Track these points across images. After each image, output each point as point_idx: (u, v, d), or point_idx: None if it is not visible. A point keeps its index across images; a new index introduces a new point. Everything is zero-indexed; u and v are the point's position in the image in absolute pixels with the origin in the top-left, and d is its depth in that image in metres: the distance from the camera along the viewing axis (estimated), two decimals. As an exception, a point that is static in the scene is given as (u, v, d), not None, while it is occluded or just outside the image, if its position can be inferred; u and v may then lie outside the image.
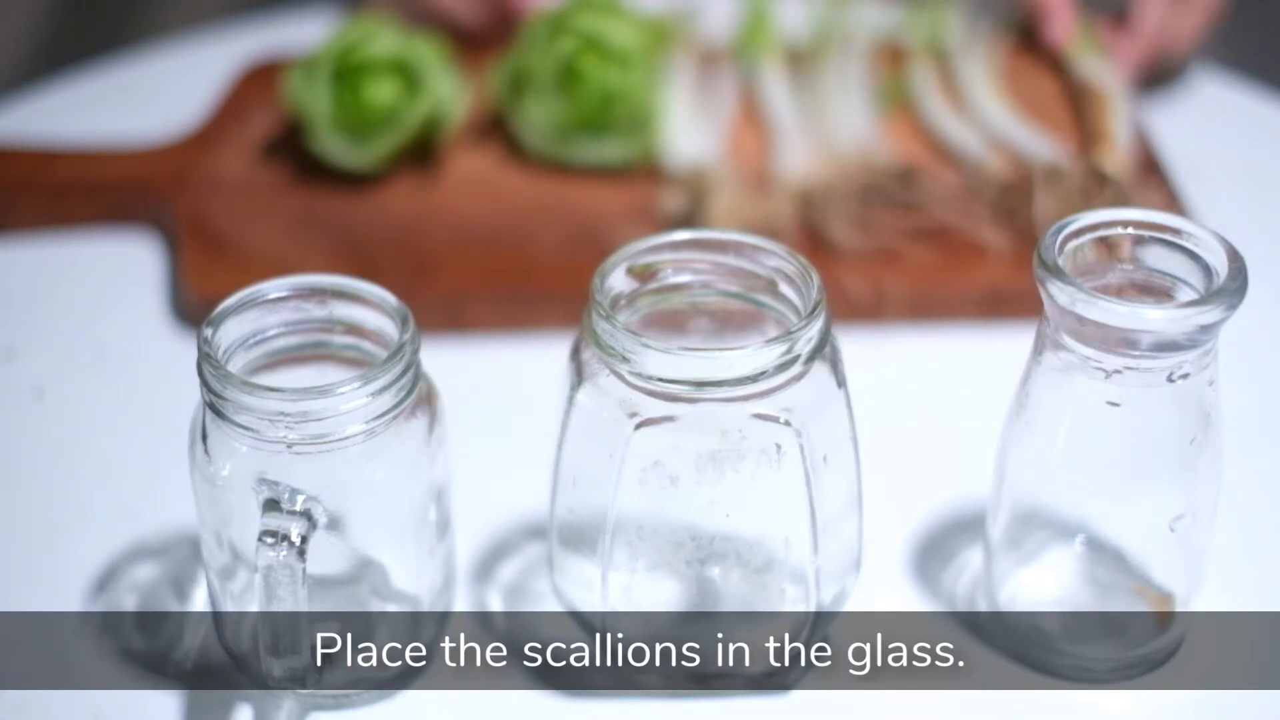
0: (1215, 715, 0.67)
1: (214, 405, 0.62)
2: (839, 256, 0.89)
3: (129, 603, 0.71)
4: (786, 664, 0.67)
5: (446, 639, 0.69)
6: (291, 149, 0.98)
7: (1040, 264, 0.62)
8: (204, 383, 0.62)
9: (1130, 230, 0.64)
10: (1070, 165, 0.92)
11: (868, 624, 0.70)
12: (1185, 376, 0.62)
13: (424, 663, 0.68)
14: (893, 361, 0.86)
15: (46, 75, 1.16)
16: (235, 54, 1.09)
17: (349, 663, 0.67)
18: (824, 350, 0.62)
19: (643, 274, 0.65)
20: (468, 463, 0.72)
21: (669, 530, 0.64)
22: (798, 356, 0.61)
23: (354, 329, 0.65)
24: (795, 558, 0.64)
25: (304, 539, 0.61)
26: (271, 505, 0.61)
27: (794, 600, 0.65)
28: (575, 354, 0.64)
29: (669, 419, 0.61)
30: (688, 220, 0.91)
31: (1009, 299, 0.87)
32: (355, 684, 0.67)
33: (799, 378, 0.61)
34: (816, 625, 0.65)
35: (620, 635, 0.66)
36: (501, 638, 0.70)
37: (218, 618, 0.67)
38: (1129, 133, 0.95)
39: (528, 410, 0.76)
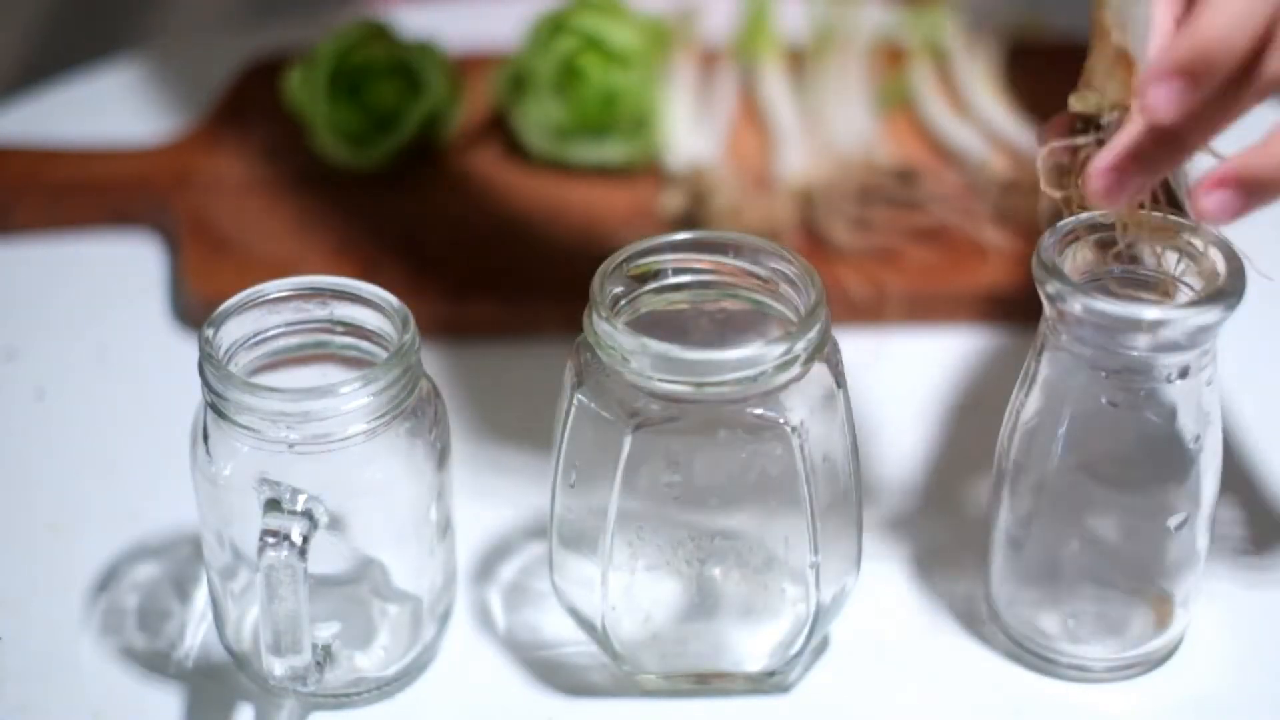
0: (1215, 715, 0.67)
1: (215, 405, 0.62)
2: (839, 256, 0.89)
3: (130, 602, 0.71)
4: (786, 664, 0.67)
5: (446, 639, 0.69)
6: (292, 149, 0.98)
7: (1040, 264, 0.62)
8: (205, 383, 0.62)
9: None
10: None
11: (868, 624, 0.70)
12: (1185, 377, 0.62)
13: (424, 663, 0.68)
14: (893, 361, 0.86)
15: (46, 75, 1.16)
16: (235, 54, 1.09)
17: (349, 663, 0.67)
18: (824, 350, 0.62)
19: (643, 274, 0.65)
20: (468, 463, 0.72)
21: (669, 530, 0.64)
22: (798, 357, 0.61)
23: (355, 329, 0.65)
24: (795, 557, 0.64)
25: (305, 539, 0.61)
26: (273, 505, 0.61)
27: (794, 600, 0.65)
28: (575, 354, 0.64)
29: (669, 419, 0.61)
30: (688, 220, 0.91)
31: (1009, 299, 0.87)
32: (355, 684, 0.67)
33: (799, 378, 0.61)
34: (816, 625, 0.65)
35: (620, 635, 0.66)
36: (501, 637, 0.70)
37: (219, 617, 0.67)
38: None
39: (528, 410, 0.76)
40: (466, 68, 1.02)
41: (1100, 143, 0.60)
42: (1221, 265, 0.62)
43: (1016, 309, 0.86)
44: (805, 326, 0.61)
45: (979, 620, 0.70)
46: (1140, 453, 0.64)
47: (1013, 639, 0.69)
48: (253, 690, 0.67)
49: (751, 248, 0.65)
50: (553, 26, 0.97)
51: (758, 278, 0.65)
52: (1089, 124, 0.61)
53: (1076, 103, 0.61)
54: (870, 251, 0.89)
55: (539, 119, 0.97)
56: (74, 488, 0.78)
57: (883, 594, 0.72)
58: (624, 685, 0.68)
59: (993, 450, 0.68)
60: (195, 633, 0.70)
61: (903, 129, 0.99)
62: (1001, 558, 0.69)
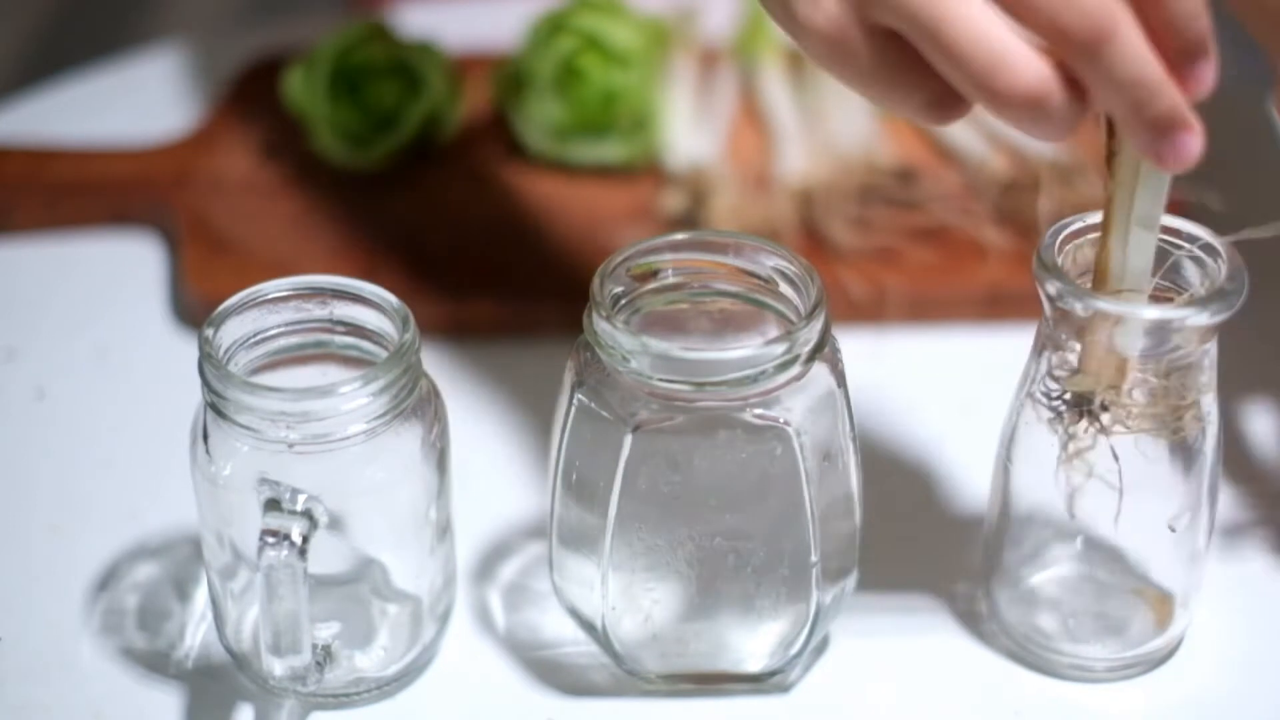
0: (1215, 715, 0.67)
1: (215, 405, 0.62)
2: (839, 256, 0.89)
3: (130, 602, 0.71)
4: (786, 664, 0.67)
5: (446, 639, 0.69)
6: (292, 149, 0.98)
7: (1040, 264, 0.62)
8: (205, 383, 0.62)
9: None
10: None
11: (868, 624, 0.70)
12: (1184, 377, 0.62)
13: (424, 663, 0.68)
14: (893, 361, 0.86)
15: (46, 75, 1.16)
16: (235, 54, 1.09)
17: (349, 663, 0.67)
18: (824, 350, 0.62)
19: (643, 274, 0.65)
20: (468, 463, 0.72)
21: (669, 530, 0.64)
22: (798, 357, 0.61)
23: (355, 329, 0.65)
24: (795, 557, 0.64)
25: (305, 539, 0.61)
26: (272, 505, 0.61)
27: (794, 600, 0.65)
28: (576, 354, 0.64)
29: (669, 419, 0.61)
30: (688, 220, 0.91)
31: (1009, 299, 0.87)
32: (355, 684, 0.67)
33: (799, 378, 0.61)
34: (816, 625, 0.66)
35: (620, 635, 0.66)
36: (501, 637, 0.70)
37: (219, 617, 0.67)
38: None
39: (528, 410, 0.76)
40: (466, 68, 1.02)
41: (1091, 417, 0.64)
42: (1221, 265, 0.62)
43: (1016, 309, 0.86)
44: (805, 327, 0.61)
45: (979, 620, 0.70)
46: (1140, 453, 0.64)
47: (1013, 639, 0.69)
48: (253, 690, 0.67)
49: (751, 248, 0.65)
50: (552, 26, 0.97)
51: (758, 278, 0.65)
52: (1082, 400, 0.64)
53: (1072, 384, 0.64)
54: (870, 251, 0.89)
55: (539, 119, 0.97)
56: (74, 488, 0.78)
57: (883, 594, 0.72)
58: (624, 685, 0.68)
59: (993, 450, 0.68)
60: (195, 633, 0.70)
61: (903, 129, 0.99)
62: (1001, 558, 0.69)
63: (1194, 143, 0.56)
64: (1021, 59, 0.55)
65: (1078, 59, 0.55)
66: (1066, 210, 0.89)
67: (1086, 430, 0.64)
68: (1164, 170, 0.58)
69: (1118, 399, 0.63)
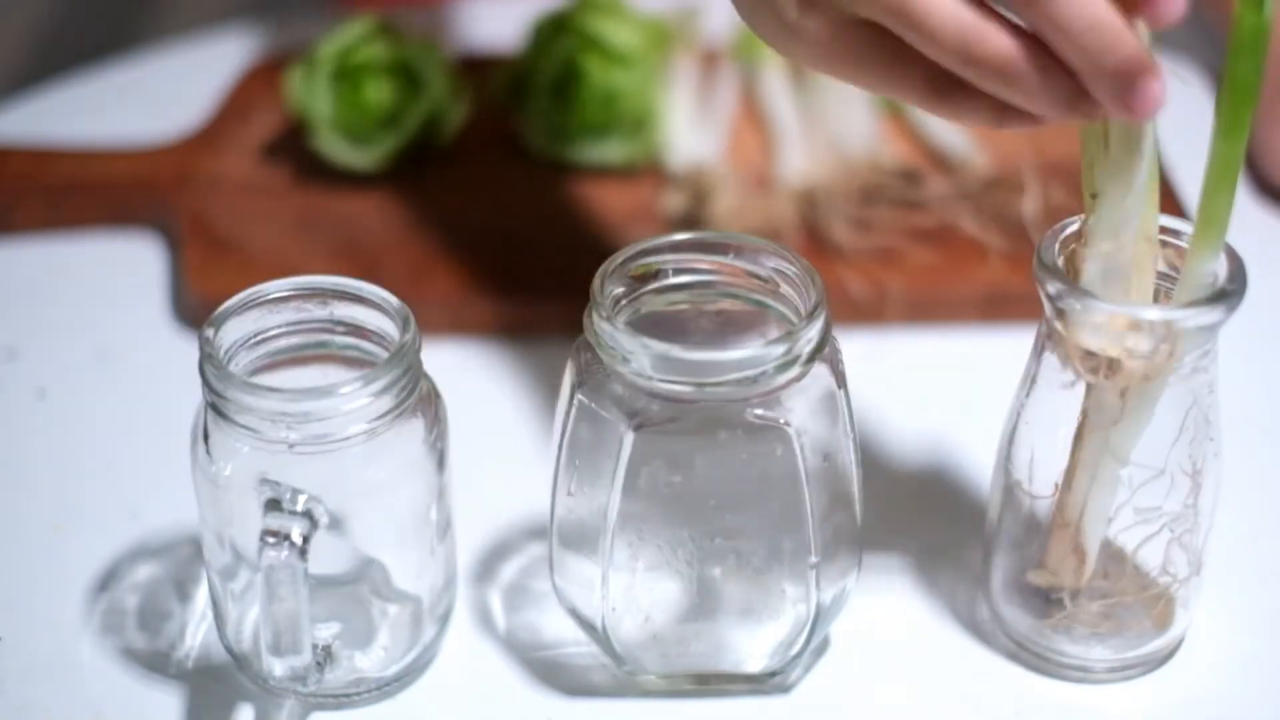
0: (1215, 715, 0.67)
1: (216, 405, 0.62)
2: (839, 256, 0.89)
3: (130, 602, 0.71)
4: (787, 664, 0.67)
5: (447, 639, 0.69)
6: (292, 149, 0.98)
7: (1040, 264, 0.62)
8: (206, 383, 0.62)
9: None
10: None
11: (868, 624, 0.70)
12: (1184, 377, 0.62)
13: (424, 663, 0.68)
14: (893, 361, 0.86)
15: (47, 75, 1.17)
16: (236, 54, 1.09)
17: (349, 663, 0.67)
18: (824, 351, 0.62)
19: (643, 274, 0.65)
20: (468, 463, 0.72)
21: (669, 531, 0.64)
22: (798, 357, 0.61)
23: (355, 329, 0.65)
24: (795, 558, 0.64)
25: (305, 539, 0.61)
26: (273, 505, 0.61)
27: (794, 600, 0.65)
28: (576, 354, 0.64)
29: (669, 419, 0.61)
30: (689, 221, 0.91)
31: (1009, 299, 0.87)
32: (355, 684, 0.67)
33: (799, 378, 0.61)
34: (816, 625, 0.66)
35: (620, 636, 0.66)
36: (502, 638, 0.70)
37: (219, 617, 0.67)
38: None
39: (528, 410, 0.76)
40: (466, 68, 1.02)
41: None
42: (1222, 265, 0.62)
43: (1016, 309, 0.86)
44: (806, 327, 0.61)
45: (979, 620, 0.70)
46: (1140, 453, 0.64)
47: (1013, 639, 0.69)
48: (253, 690, 0.68)
49: (752, 248, 0.65)
50: (553, 27, 0.97)
51: (758, 278, 0.65)
52: (1044, 594, 0.67)
53: (1034, 577, 0.67)
54: (871, 252, 0.89)
55: (540, 119, 0.97)
56: (74, 487, 0.78)
57: (883, 594, 0.72)
58: (624, 686, 0.68)
59: (993, 450, 0.68)
60: (195, 633, 0.70)
61: (892, 130, 0.99)
62: (1001, 557, 0.69)
63: (1159, 89, 0.56)
64: (990, 30, 0.57)
65: (1028, 10, 0.56)
66: (1050, 210, 0.89)
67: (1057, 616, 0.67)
68: (1136, 119, 0.58)
69: (1076, 600, 0.66)
